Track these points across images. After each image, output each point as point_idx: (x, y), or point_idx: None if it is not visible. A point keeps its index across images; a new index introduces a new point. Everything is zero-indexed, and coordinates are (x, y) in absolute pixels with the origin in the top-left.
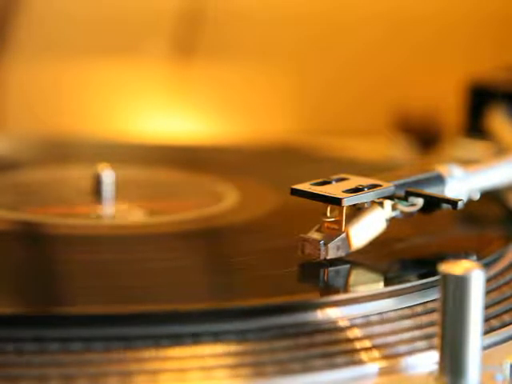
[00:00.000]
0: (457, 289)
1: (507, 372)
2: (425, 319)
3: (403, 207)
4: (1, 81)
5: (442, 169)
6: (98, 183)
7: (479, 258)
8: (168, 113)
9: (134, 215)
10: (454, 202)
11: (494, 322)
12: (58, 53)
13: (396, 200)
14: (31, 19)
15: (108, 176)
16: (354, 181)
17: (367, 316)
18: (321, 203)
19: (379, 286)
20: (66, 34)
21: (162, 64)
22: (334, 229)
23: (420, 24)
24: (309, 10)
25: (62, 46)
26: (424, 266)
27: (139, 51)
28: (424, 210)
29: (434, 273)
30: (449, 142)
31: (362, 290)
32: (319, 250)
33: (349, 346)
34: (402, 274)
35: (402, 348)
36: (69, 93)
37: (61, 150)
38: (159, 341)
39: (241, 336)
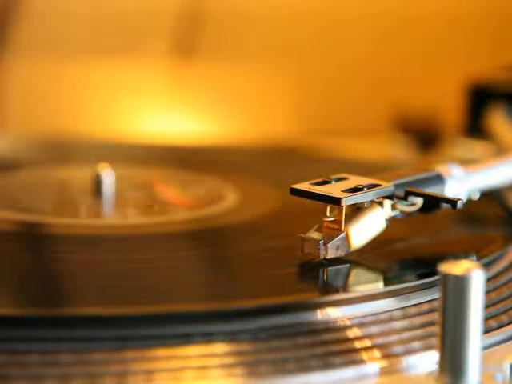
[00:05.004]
0: (457, 289)
1: (507, 372)
2: (424, 319)
3: (403, 207)
4: (1, 81)
5: (441, 169)
6: (97, 183)
7: (479, 258)
8: (168, 113)
9: (133, 215)
10: (453, 202)
11: (494, 322)
12: (58, 53)
13: (396, 200)
14: (31, 19)
15: (108, 176)
16: (354, 180)
17: (367, 316)
18: (320, 203)
19: (379, 286)
20: (66, 34)
21: (162, 64)
22: (333, 228)
23: (420, 24)
24: (309, 10)
25: (62, 46)
26: (424, 266)
27: (139, 51)
28: (424, 209)
29: (433, 273)
30: (449, 141)
31: (361, 290)
32: (319, 249)
33: (348, 346)
34: (402, 273)
35: (402, 348)
36: (69, 93)
37: (61, 150)
38: (162, 341)
39: (240, 336)
